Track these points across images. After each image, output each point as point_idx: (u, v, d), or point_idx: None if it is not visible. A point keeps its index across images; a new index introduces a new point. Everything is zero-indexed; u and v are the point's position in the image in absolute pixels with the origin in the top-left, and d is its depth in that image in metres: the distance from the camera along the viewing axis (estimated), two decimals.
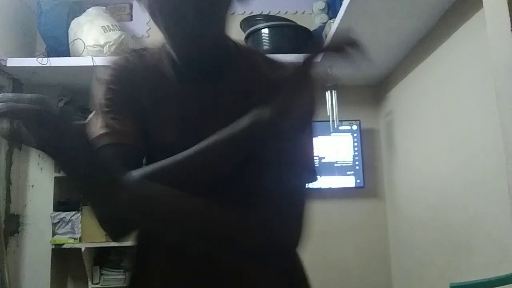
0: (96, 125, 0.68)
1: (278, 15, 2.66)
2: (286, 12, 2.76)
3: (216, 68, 0.71)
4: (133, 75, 0.72)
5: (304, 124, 0.69)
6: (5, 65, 2.29)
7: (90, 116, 0.70)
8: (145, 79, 0.72)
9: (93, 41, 2.36)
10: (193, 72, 0.71)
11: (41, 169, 2.54)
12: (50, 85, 2.54)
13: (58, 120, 0.48)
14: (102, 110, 0.68)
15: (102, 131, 0.66)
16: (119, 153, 0.65)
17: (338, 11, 1.93)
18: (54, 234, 2.44)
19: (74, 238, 2.42)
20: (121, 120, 0.67)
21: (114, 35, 2.41)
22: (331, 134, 2.65)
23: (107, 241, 2.40)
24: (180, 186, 0.59)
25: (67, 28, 2.45)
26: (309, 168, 0.70)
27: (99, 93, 0.70)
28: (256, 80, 0.71)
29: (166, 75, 0.72)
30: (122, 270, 2.49)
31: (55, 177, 2.50)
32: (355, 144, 2.72)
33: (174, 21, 0.63)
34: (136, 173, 0.60)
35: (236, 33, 2.05)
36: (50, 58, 2.31)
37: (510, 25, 0.97)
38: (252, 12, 2.62)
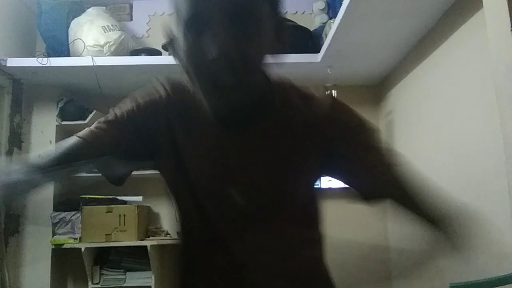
0: (94, 123, 0.74)
1: None
2: (286, 12, 2.76)
3: (252, 112, 0.71)
4: (166, 106, 0.73)
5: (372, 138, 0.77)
6: (5, 65, 2.29)
7: (91, 115, 0.72)
8: (181, 113, 0.73)
9: (93, 41, 2.36)
10: (229, 116, 0.71)
11: None
12: (50, 85, 2.54)
13: None
14: (109, 117, 0.73)
15: (91, 129, 0.71)
16: (88, 150, 0.70)
17: (338, 11, 1.93)
18: (54, 234, 2.44)
19: (74, 238, 2.42)
20: (110, 130, 0.71)
21: (114, 35, 2.41)
22: None
23: (107, 241, 2.40)
24: None
25: (67, 28, 2.45)
26: None
27: (121, 105, 0.74)
28: (291, 118, 0.71)
29: (204, 112, 0.71)
30: (122, 270, 2.49)
31: None
32: None
33: (212, 90, 0.64)
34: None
35: None
36: (50, 58, 2.31)
37: (510, 25, 0.97)
38: None
